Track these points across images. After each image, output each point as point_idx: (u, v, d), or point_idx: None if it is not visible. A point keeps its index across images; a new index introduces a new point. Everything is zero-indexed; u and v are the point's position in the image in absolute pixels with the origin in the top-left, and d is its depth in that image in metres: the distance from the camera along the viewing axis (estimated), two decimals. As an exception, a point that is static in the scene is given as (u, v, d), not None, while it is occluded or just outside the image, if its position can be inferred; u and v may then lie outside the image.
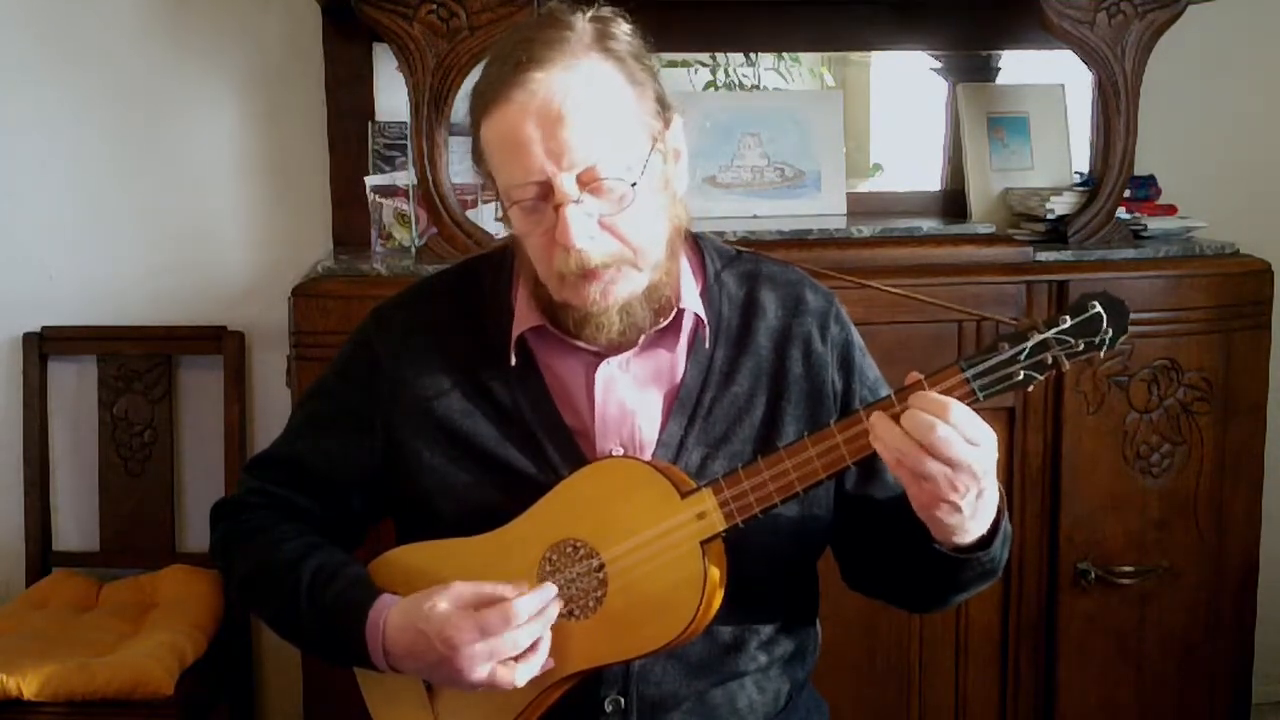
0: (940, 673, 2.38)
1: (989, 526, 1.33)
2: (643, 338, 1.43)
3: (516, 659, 1.32)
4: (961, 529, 1.31)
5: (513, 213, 1.36)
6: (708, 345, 1.46)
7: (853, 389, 1.50)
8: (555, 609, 1.35)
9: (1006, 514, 1.38)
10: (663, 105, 1.39)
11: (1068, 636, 2.38)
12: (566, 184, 1.32)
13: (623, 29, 1.38)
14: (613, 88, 1.35)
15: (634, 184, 1.34)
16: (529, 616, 1.32)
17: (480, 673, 1.32)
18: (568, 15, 1.37)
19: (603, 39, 1.36)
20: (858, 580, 1.56)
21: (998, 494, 1.32)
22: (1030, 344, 1.27)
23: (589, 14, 1.38)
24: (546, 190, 1.33)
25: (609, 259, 1.35)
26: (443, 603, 1.33)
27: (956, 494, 1.26)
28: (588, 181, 1.32)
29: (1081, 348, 1.27)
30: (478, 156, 1.40)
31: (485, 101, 1.35)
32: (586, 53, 1.34)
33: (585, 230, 1.33)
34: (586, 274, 1.34)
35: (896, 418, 1.25)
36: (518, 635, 1.32)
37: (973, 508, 1.29)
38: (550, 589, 1.36)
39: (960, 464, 1.24)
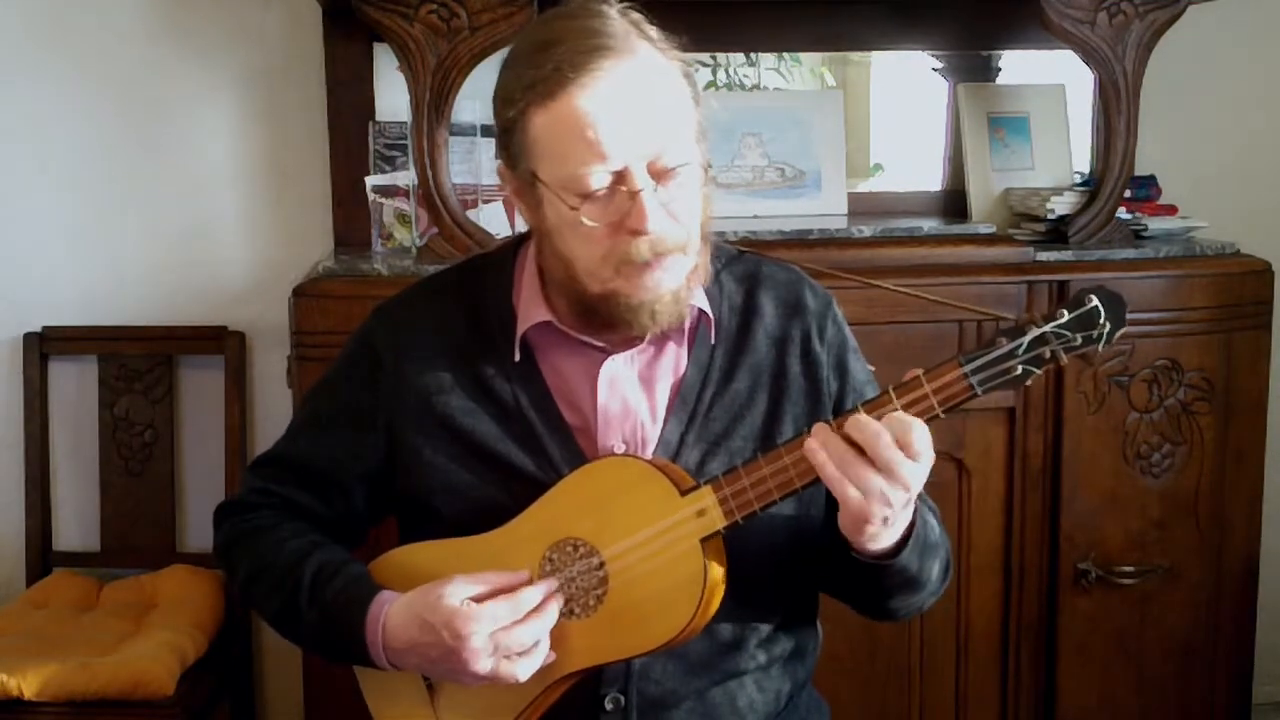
0: (940, 673, 2.38)
1: (900, 537, 1.33)
2: (649, 333, 1.42)
3: (520, 654, 1.33)
4: (873, 538, 1.31)
5: (584, 206, 1.31)
6: (712, 340, 1.46)
7: (845, 390, 1.50)
8: (556, 606, 1.36)
9: (935, 528, 1.41)
10: (698, 96, 1.39)
11: (1068, 636, 2.38)
12: (642, 170, 1.31)
13: (650, 23, 1.37)
14: (670, 76, 1.35)
15: (706, 168, 1.34)
16: (534, 605, 1.33)
17: (484, 666, 1.32)
18: (597, 6, 1.35)
19: (641, 30, 1.35)
20: (823, 581, 1.55)
21: (913, 507, 1.33)
22: (1028, 338, 1.27)
23: (614, 8, 1.36)
24: (618, 178, 1.31)
25: (673, 245, 1.34)
26: (449, 594, 1.34)
27: (889, 508, 1.26)
28: (657, 169, 1.32)
29: (1079, 342, 1.27)
30: (516, 152, 1.36)
31: (540, 91, 1.31)
32: (638, 42, 1.33)
33: (659, 216, 1.32)
34: (649, 261, 1.33)
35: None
36: (522, 630, 1.32)
37: (891, 518, 1.29)
38: (553, 582, 1.36)
39: (898, 476, 1.24)
